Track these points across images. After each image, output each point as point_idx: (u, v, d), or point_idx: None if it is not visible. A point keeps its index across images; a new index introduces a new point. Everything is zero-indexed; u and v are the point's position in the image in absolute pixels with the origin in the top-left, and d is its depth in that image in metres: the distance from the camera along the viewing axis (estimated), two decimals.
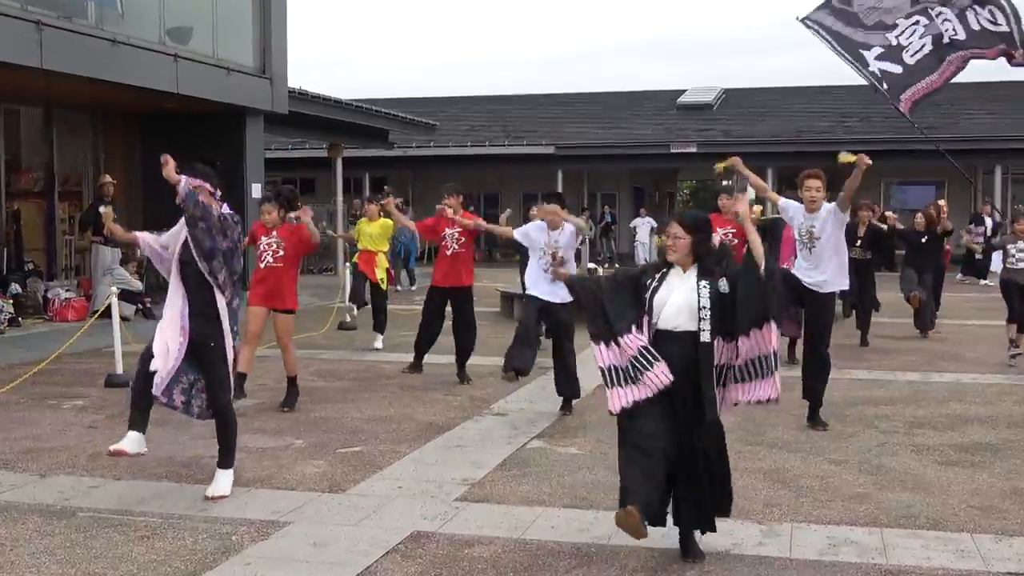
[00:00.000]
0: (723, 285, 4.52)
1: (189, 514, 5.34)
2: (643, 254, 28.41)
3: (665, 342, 4.50)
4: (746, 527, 5.13)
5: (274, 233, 8.10)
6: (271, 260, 8.05)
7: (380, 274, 11.86)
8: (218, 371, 5.44)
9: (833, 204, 7.66)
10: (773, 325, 4.48)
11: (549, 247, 8.14)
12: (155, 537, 4.98)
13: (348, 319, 12.35)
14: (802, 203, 7.76)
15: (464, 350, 9.73)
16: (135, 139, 17.32)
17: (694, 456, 4.54)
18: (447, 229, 9.60)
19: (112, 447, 5.42)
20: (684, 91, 35.61)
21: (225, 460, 5.70)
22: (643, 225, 29.00)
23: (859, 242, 12.37)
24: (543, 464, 6.49)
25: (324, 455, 6.77)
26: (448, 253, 9.60)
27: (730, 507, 4.75)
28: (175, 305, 5.48)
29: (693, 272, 4.59)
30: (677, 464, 4.52)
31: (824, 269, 7.64)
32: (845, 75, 31.79)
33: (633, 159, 29.85)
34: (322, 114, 20.40)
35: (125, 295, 13.33)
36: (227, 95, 15.63)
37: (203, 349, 5.43)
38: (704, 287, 4.52)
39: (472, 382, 9.59)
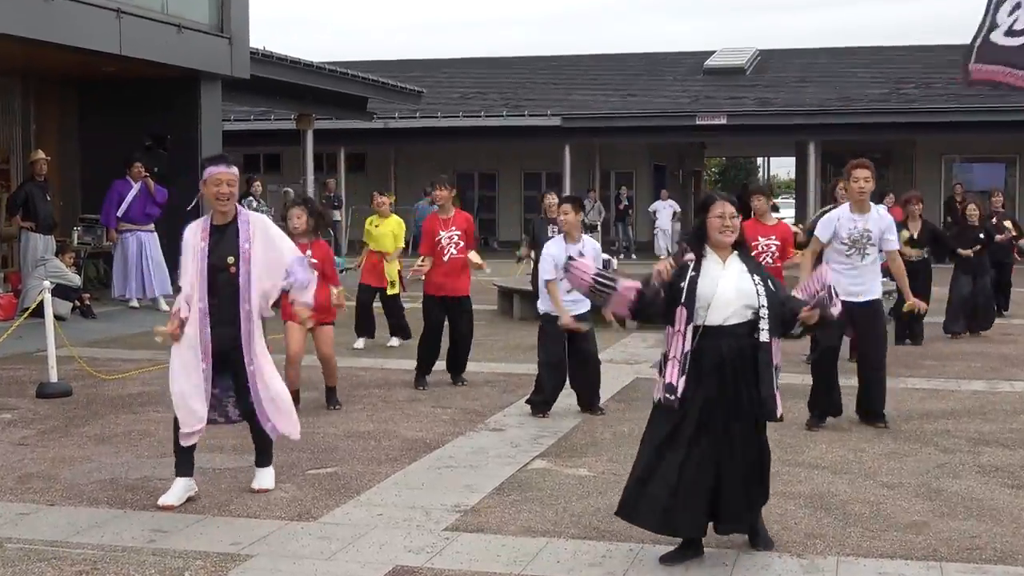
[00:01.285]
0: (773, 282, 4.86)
1: (134, 546, 5.34)
2: (664, 242, 28.42)
3: (713, 338, 4.79)
4: (784, 561, 5.14)
5: (308, 252, 8.17)
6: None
7: (391, 276, 12.07)
8: (243, 373, 6.02)
9: (885, 209, 8.24)
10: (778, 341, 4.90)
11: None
12: (95, 572, 4.96)
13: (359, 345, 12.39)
14: (835, 203, 8.00)
15: (459, 363, 9.91)
16: (71, 109, 17.34)
17: (739, 455, 4.92)
18: (442, 231, 9.61)
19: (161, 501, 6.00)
20: (712, 53, 35.66)
21: (263, 459, 6.43)
22: (664, 209, 29.02)
23: (912, 240, 12.43)
24: (547, 488, 6.51)
25: (292, 477, 6.78)
26: (444, 259, 9.62)
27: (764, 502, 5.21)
28: (192, 325, 5.94)
29: (735, 260, 4.87)
30: (718, 470, 4.91)
31: (872, 276, 8.04)
32: (901, 35, 31.77)
33: (653, 132, 29.87)
34: (290, 79, 20.41)
35: (60, 291, 13.34)
36: (178, 57, 15.61)
37: (233, 355, 5.98)
38: (759, 281, 4.83)
39: (466, 382, 9.76)
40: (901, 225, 12.10)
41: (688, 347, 4.79)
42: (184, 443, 6.07)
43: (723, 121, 28.79)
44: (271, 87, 20.07)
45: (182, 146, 16.53)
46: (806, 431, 8.03)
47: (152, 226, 15.48)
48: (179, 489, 6.08)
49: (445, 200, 9.70)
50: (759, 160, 59.69)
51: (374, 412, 8.85)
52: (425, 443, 7.73)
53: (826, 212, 10.92)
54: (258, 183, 20.00)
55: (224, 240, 5.92)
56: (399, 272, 12.35)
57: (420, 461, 7.19)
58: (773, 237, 9.90)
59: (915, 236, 12.67)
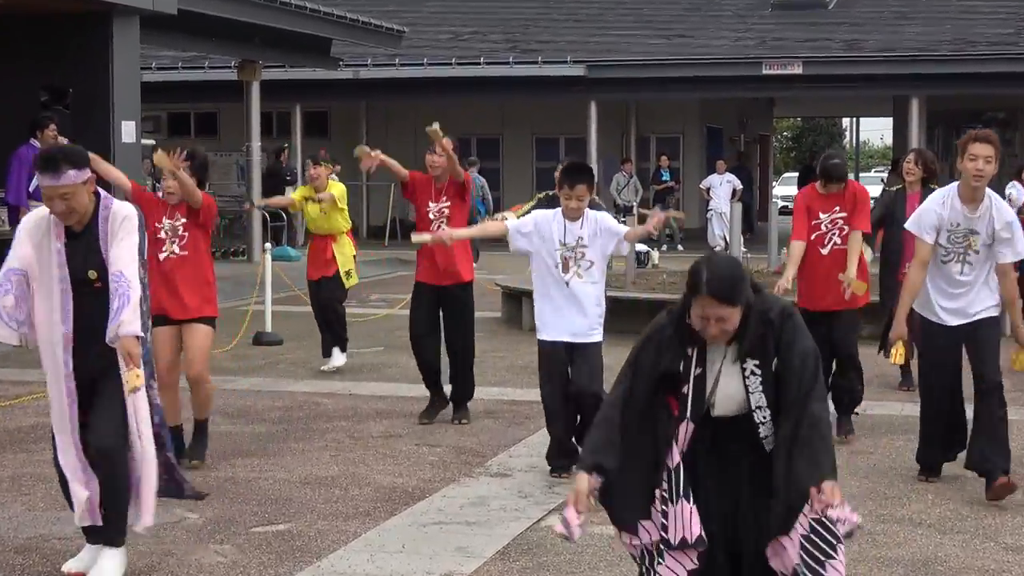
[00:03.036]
0: (775, 364, 4.56)
1: None
2: (720, 229, 28.36)
3: (718, 424, 4.63)
4: None
5: (177, 214, 8.45)
6: (176, 249, 8.44)
7: (344, 264, 12.16)
8: (114, 407, 5.89)
9: (996, 195, 7.78)
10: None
11: (568, 250, 8.11)
12: None
13: (331, 367, 12.35)
14: (944, 189, 7.74)
15: (461, 378, 9.93)
16: None
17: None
18: (430, 202, 9.82)
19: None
20: None
21: (113, 534, 5.95)
22: (721, 186, 28.96)
23: None
24: (566, 551, 6.47)
25: (232, 536, 6.78)
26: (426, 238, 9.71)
27: None
28: (49, 357, 5.99)
29: (733, 356, 4.59)
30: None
31: (982, 287, 7.70)
32: None
33: (705, 85, 29.77)
34: (230, 15, 20.34)
35: None
36: None
37: (101, 383, 5.93)
38: (753, 373, 4.57)
39: (466, 420, 9.72)
40: None
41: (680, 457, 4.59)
42: (78, 524, 6.03)
43: (798, 70, 28.73)
44: (205, 25, 20.05)
45: (88, 102, 16.45)
46: (907, 479, 8.03)
47: None
48: (89, 553, 6.05)
49: (441, 170, 9.79)
50: (845, 121, 59.62)
51: (339, 451, 8.81)
52: (406, 492, 7.71)
53: (897, 190, 10.71)
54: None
55: (82, 245, 5.94)
56: (354, 257, 12.37)
57: (400, 516, 7.17)
58: (837, 209, 9.21)
59: None
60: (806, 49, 29.64)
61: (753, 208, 32.57)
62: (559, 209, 8.16)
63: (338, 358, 12.22)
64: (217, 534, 6.82)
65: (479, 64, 29.43)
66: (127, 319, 5.66)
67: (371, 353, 13.31)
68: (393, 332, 14.18)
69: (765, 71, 28.78)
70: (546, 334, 8.15)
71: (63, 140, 15.17)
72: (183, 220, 8.36)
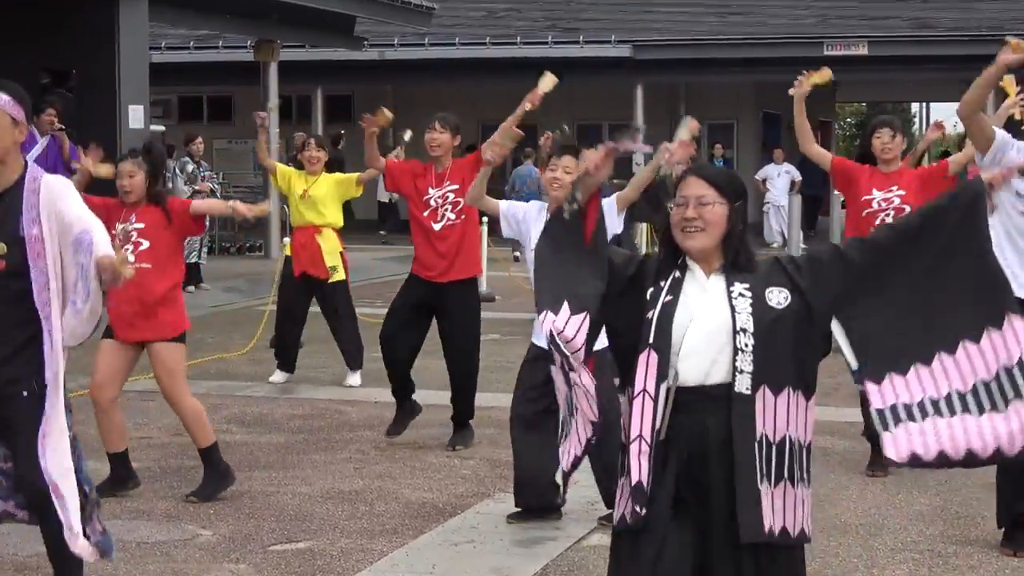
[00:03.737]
0: (776, 295, 4.27)
1: None
2: (777, 223, 28.31)
3: (691, 408, 4.23)
4: None
5: (133, 216, 8.03)
6: (131, 260, 7.62)
7: (330, 260, 11.71)
8: (32, 436, 5.32)
9: None
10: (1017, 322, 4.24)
11: None
12: None
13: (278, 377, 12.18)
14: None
15: (461, 394, 9.59)
16: None
17: None
18: (431, 188, 9.52)
19: None
20: None
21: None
22: (779, 177, 28.93)
23: None
24: None
25: (248, 554, 6.82)
26: (436, 227, 9.50)
27: None
28: None
29: (721, 277, 4.32)
30: None
31: None
32: None
33: (763, 67, 29.67)
34: None
35: None
36: None
37: (11, 407, 5.37)
38: (741, 296, 4.27)
39: (475, 442, 9.41)
40: None
41: (659, 423, 4.23)
42: None
43: (863, 51, 28.65)
44: (219, 1, 20.13)
45: (92, 85, 16.56)
46: (981, 495, 7.96)
47: None
48: None
49: (446, 149, 9.54)
50: (914, 107, 59.36)
51: (364, 463, 8.83)
52: (437, 508, 7.73)
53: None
54: (199, 139, 19.86)
55: None
56: (342, 253, 11.90)
57: (430, 534, 7.20)
58: (895, 188, 8.93)
59: None
60: (871, 28, 29.56)
61: (819, 202, 32.41)
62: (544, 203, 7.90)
63: (353, 377, 11.90)
64: (232, 552, 6.85)
65: (515, 44, 29.37)
66: (102, 240, 5.24)
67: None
68: None
69: (827, 52, 28.64)
70: (537, 339, 7.54)
71: (61, 127, 15.33)
72: (139, 225, 7.95)
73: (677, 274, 4.30)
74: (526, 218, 7.92)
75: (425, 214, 9.47)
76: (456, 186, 9.45)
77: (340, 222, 11.90)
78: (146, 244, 7.88)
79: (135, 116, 16.81)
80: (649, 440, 4.21)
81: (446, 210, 9.48)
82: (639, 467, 4.23)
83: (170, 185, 17.64)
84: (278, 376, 12.03)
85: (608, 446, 7.14)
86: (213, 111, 33.91)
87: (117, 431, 8.04)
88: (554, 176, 7.56)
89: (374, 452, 9.21)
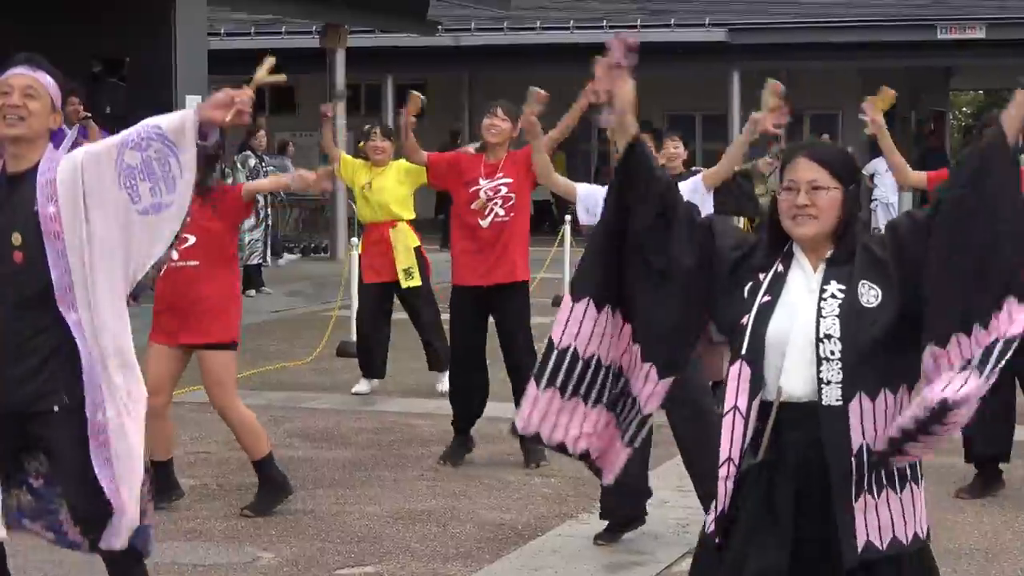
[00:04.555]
0: (867, 292, 4.20)
1: None
2: (885, 222, 28.11)
3: (788, 427, 4.21)
4: None
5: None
6: (175, 256, 7.69)
7: (404, 261, 11.61)
8: (75, 457, 5.22)
9: None
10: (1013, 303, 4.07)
11: None
12: None
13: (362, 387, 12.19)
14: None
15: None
16: None
17: None
18: (481, 179, 9.41)
19: None
20: None
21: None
22: (888, 172, 28.57)
23: None
24: None
25: None
26: (483, 224, 9.39)
27: None
28: None
29: (822, 271, 4.28)
30: None
31: None
32: None
33: (870, 52, 29.43)
34: None
35: None
36: None
37: (39, 421, 5.25)
38: (833, 296, 4.21)
39: (543, 462, 9.30)
40: None
41: (748, 438, 4.22)
42: None
43: (980, 34, 28.30)
44: None
45: (147, 74, 16.70)
46: None
47: None
48: None
49: (503, 138, 9.44)
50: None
51: (437, 481, 8.87)
52: (516, 530, 7.75)
53: None
54: (262, 132, 19.99)
55: (13, 200, 5.21)
56: (419, 249, 11.78)
57: (508, 557, 7.21)
58: None
59: None
60: (990, 9, 29.19)
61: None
62: None
63: (443, 382, 11.59)
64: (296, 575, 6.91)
65: (601, 28, 29.02)
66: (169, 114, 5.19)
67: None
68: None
69: (941, 35, 28.42)
70: None
71: (87, 114, 15.39)
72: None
73: (780, 268, 4.27)
74: (597, 197, 7.61)
75: (473, 206, 9.32)
76: (509, 179, 9.32)
77: (411, 214, 11.80)
78: (192, 239, 7.77)
79: (191, 105, 16.85)
80: (737, 462, 4.22)
81: (495, 204, 9.34)
82: (725, 492, 4.25)
83: (230, 181, 17.72)
84: (362, 386, 12.01)
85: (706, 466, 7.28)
86: (276, 101, 33.98)
87: (166, 439, 8.08)
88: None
89: (447, 469, 9.23)
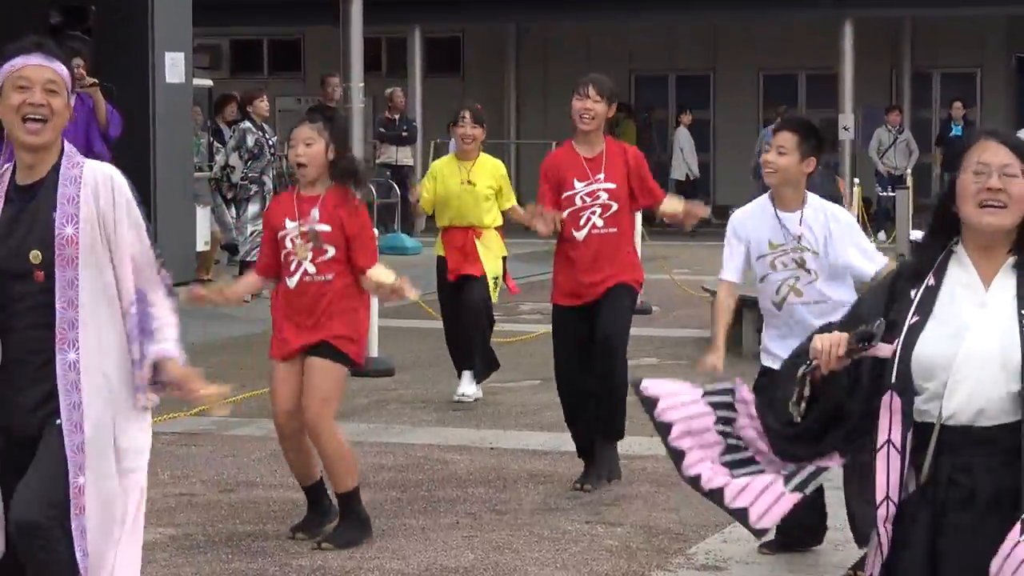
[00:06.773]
0: None
1: None
2: None
3: (955, 452, 4.43)
4: None
5: (315, 212, 8.20)
6: (312, 270, 8.22)
7: (491, 268, 12.10)
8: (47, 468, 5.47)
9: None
10: None
11: (790, 252, 8.05)
12: None
13: (465, 395, 12.59)
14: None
15: (610, 427, 9.71)
16: None
17: None
18: (576, 181, 9.45)
19: None
20: None
21: None
22: None
23: None
24: None
25: None
26: (579, 237, 9.52)
27: None
28: None
29: (1010, 279, 4.49)
30: None
31: None
32: None
33: None
34: None
35: None
36: None
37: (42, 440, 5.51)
38: None
39: (610, 482, 9.76)
40: None
41: (902, 472, 4.46)
42: None
43: None
44: None
45: (117, 26, 16.71)
46: None
47: None
48: None
49: (600, 122, 9.46)
50: None
51: (477, 531, 8.84)
52: None
53: None
54: (262, 98, 19.70)
55: (27, 214, 5.45)
56: (503, 263, 12.34)
57: None
58: None
59: None
60: None
61: None
62: (767, 199, 8.13)
63: (468, 385, 12.32)
64: None
65: None
66: (172, 337, 5.48)
67: (522, 389, 13.47)
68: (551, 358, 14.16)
69: None
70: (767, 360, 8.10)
71: (94, 82, 15.01)
72: (325, 227, 8.19)
73: (931, 281, 4.48)
74: (746, 222, 8.17)
75: (565, 215, 9.39)
76: (612, 185, 9.40)
77: (500, 219, 12.18)
78: (331, 252, 8.20)
79: (173, 67, 16.97)
80: (896, 502, 4.46)
81: (593, 213, 9.41)
82: (886, 535, 4.49)
83: (220, 160, 17.53)
84: (467, 387, 12.32)
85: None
86: (276, 60, 34.31)
87: (312, 460, 8.54)
88: (767, 159, 8.05)
89: (490, 516, 9.27)
